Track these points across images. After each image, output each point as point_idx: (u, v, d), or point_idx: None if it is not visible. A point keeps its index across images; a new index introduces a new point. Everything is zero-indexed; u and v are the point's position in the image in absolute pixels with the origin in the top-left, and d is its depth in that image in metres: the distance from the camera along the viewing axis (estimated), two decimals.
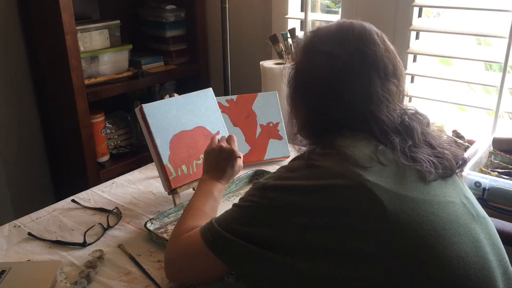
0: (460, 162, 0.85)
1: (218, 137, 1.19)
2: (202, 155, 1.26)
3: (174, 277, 0.94)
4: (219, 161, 1.12)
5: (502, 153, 1.37)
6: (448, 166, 0.82)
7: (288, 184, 0.79)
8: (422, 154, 0.80)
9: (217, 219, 0.86)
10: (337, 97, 0.83)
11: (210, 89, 1.34)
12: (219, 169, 1.11)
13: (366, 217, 0.71)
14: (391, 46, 0.87)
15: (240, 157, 1.15)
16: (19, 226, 1.16)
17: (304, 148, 0.89)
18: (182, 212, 1.04)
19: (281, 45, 1.87)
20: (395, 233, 0.70)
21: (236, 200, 1.26)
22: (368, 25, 0.87)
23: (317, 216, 0.73)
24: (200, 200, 1.04)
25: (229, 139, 1.16)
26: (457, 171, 0.84)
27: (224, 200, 1.27)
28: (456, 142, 0.92)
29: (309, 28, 1.96)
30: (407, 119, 0.84)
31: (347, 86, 0.83)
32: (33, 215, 1.21)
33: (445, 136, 0.89)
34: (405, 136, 0.82)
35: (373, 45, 0.83)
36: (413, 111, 0.87)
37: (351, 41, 0.84)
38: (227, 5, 1.95)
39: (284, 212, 0.76)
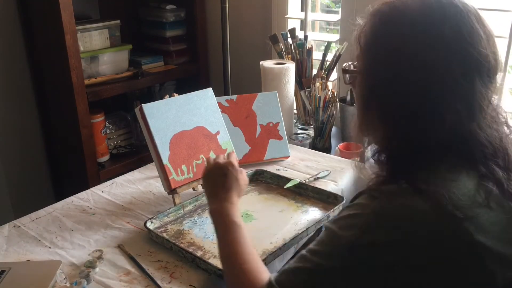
0: None
1: (211, 156, 1.08)
2: (202, 155, 1.27)
3: None
4: (220, 179, 0.97)
5: None
6: None
7: (374, 239, 0.64)
8: None
9: (281, 282, 0.72)
10: (433, 116, 0.66)
11: (210, 89, 1.34)
12: (224, 188, 0.96)
13: (468, 279, 0.63)
14: (490, 28, 0.68)
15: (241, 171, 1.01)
16: (19, 226, 1.16)
17: (376, 173, 0.73)
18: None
19: (281, 45, 1.87)
20: None
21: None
22: (460, 2, 0.67)
23: (412, 272, 0.63)
24: (231, 240, 0.87)
25: (229, 155, 1.04)
26: None
27: None
28: None
29: (309, 28, 1.96)
30: (504, 138, 0.70)
31: (446, 101, 0.65)
32: (33, 215, 1.20)
33: None
34: (502, 163, 0.68)
35: (476, 40, 0.65)
36: (503, 121, 0.72)
37: (447, 37, 0.64)
38: (227, 5, 1.95)
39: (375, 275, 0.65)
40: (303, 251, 0.73)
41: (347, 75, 0.78)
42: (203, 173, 1.03)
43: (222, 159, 1.03)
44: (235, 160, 1.03)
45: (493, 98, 0.70)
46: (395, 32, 0.68)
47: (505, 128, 0.72)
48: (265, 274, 0.81)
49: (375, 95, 0.72)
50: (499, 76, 0.70)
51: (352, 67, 0.74)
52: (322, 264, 0.68)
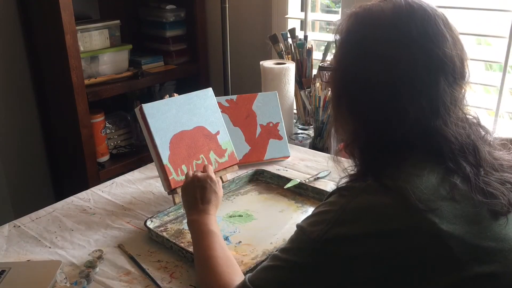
0: None
1: (190, 172, 1.12)
2: (202, 155, 1.27)
3: None
4: (199, 191, 1.03)
5: None
6: None
7: (342, 232, 0.67)
8: (494, 184, 0.69)
9: (254, 281, 0.74)
10: (398, 110, 0.69)
11: (210, 89, 1.34)
12: (203, 200, 1.02)
13: (436, 270, 0.64)
14: (457, 33, 0.72)
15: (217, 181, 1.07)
16: (19, 226, 1.16)
17: (350, 170, 0.76)
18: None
19: (281, 45, 1.87)
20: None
21: (237, 200, 1.28)
22: (429, 7, 0.71)
23: (381, 264, 0.65)
24: (206, 246, 0.92)
25: (205, 168, 1.11)
26: None
27: (224, 200, 1.27)
28: None
29: (309, 28, 1.97)
30: (472, 136, 0.72)
31: (411, 97, 0.68)
32: (33, 215, 1.20)
33: (507, 155, 0.77)
34: (472, 159, 0.70)
35: (441, 41, 0.69)
36: (475, 122, 0.75)
37: (414, 38, 0.68)
38: (227, 5, 1.95)
39: (342, 267, 0.67)
40: (276, 251, 0.76)
41: (325, 73, 0.80)
42: (182, 186, 1.08)
43: (200, 173, 1.09)
44: (212, 173, 1.09)
45: (464, 100, 0.73)
46: (367, 31, 0.72)
47: (481, 129, 0.75)
48: (240, 276, 0.83)
49: (345, 90, 0.75)
50: (467, 80, 0.73)
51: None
52: (292, 260, 0.71)
